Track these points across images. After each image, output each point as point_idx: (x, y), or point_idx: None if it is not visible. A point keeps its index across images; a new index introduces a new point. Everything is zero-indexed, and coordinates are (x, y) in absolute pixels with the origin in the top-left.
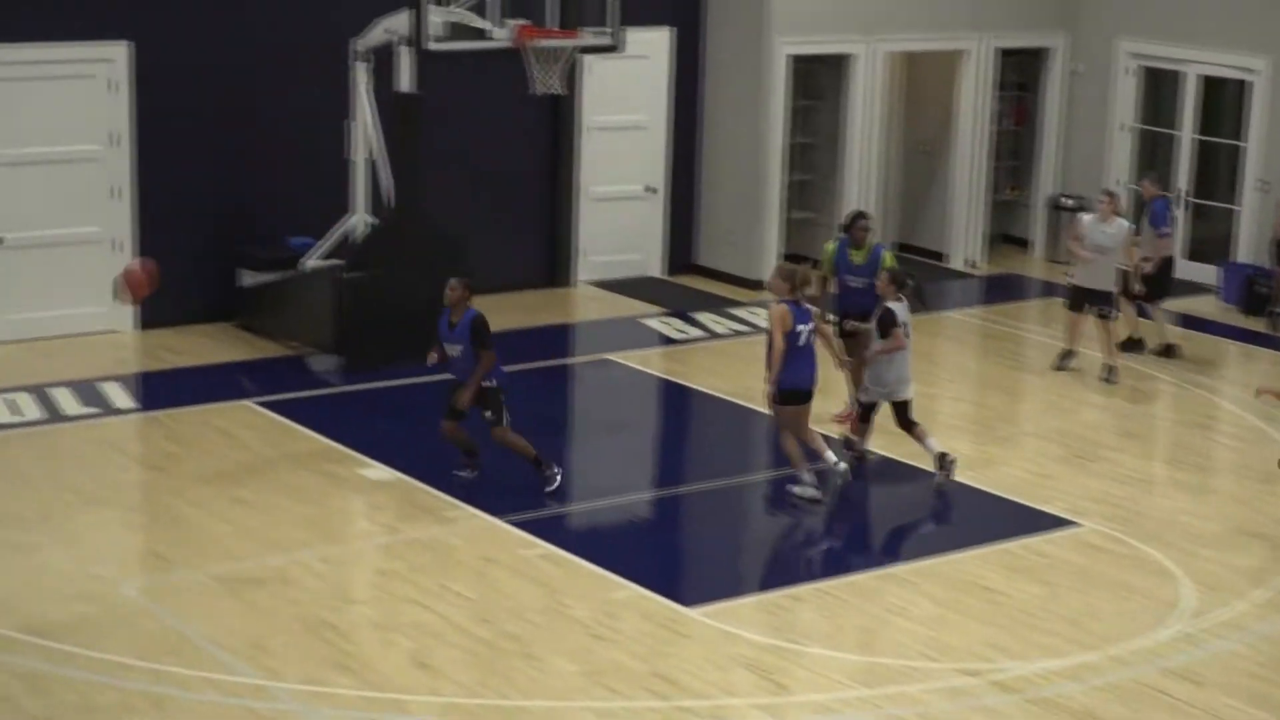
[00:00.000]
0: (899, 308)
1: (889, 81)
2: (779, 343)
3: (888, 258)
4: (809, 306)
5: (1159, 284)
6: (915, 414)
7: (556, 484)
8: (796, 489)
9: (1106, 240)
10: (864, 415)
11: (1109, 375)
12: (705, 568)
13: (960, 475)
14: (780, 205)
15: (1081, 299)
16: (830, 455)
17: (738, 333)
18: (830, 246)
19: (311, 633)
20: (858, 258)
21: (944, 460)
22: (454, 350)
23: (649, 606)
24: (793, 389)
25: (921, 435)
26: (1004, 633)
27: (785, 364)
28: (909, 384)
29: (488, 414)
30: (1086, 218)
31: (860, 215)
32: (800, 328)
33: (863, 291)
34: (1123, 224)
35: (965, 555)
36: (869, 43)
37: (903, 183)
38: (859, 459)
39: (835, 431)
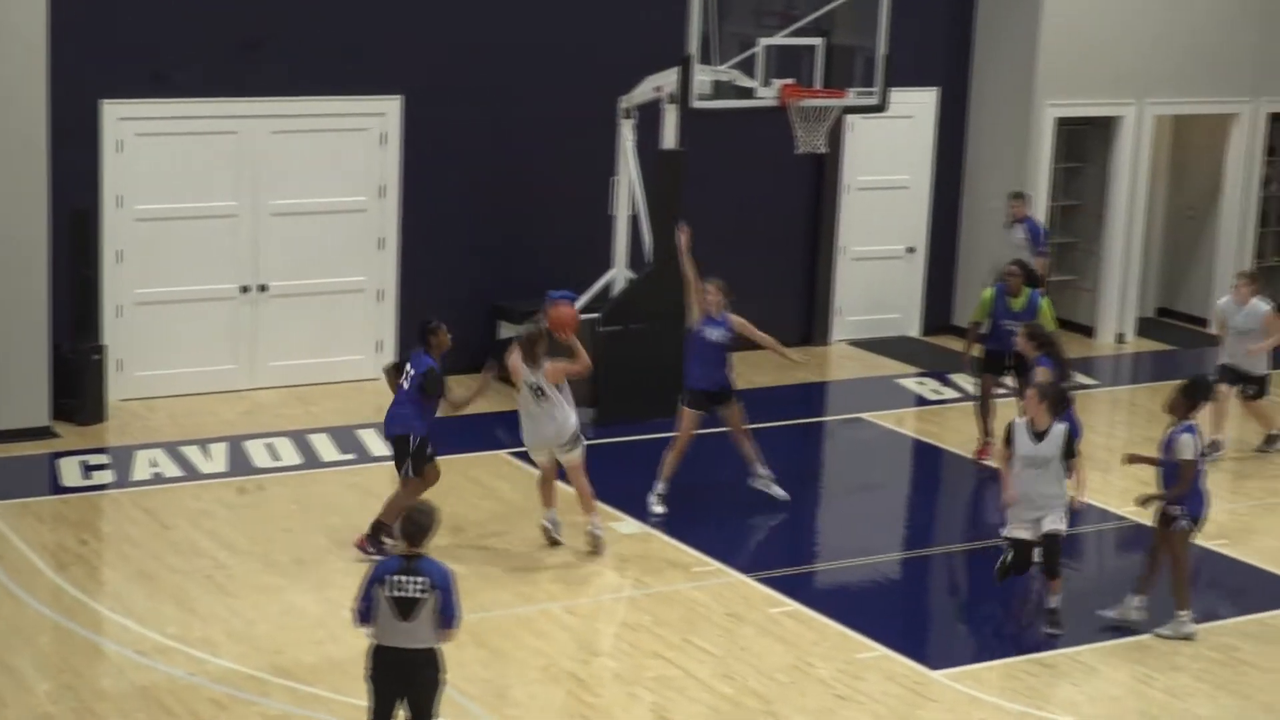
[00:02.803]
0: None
1: (1156, 145)
2: None
3: (1045, 305)
4: None
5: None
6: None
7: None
8: None
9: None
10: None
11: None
12: (952, 631)
13: (1214, 544)
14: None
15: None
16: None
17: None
18: (988, 293)
19: (555, 683)
20: (1015, 304)
21: None
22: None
23: (894, 668)
24: None
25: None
26: (1262, 710)
27: None
28: None
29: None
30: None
31: (1012, 263)
32: None
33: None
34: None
35: (1221, 625)
36: (1139, 105)
37: (1167, 247)
38: None
39: None
